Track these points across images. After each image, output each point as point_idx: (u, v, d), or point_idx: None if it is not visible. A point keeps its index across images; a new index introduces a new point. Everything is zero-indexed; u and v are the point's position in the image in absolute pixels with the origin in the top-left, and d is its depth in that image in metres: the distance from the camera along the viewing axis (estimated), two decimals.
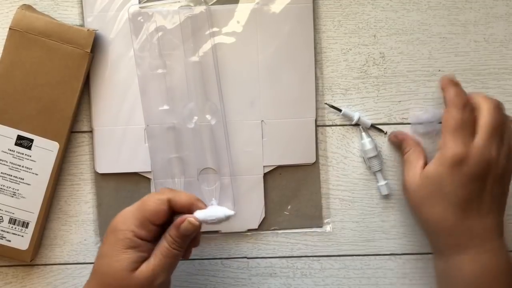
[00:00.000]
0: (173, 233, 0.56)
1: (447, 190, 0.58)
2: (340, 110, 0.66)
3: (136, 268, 0.55)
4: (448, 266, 0.59)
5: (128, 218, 0.56)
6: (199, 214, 0.56)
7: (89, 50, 0.63)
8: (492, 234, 0.59)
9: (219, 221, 0.57)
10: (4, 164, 0.63)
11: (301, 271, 0.67)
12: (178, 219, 0.56)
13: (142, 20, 0.65)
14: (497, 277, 0.58)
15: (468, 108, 0.59)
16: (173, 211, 0.57)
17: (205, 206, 0.57)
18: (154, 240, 0.56)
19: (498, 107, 0.59)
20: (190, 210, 0.57)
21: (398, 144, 0.66)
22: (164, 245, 0.56)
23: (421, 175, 0.60)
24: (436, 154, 0.59)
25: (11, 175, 0.63)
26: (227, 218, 0.57)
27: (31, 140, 0.63)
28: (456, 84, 0.60)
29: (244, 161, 0.66)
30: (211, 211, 0.57)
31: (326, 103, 0.67)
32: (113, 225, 0.56)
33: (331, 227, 0.67)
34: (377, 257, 0.67)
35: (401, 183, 0.66)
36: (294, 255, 0.67)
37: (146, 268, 0.55)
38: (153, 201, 0.56)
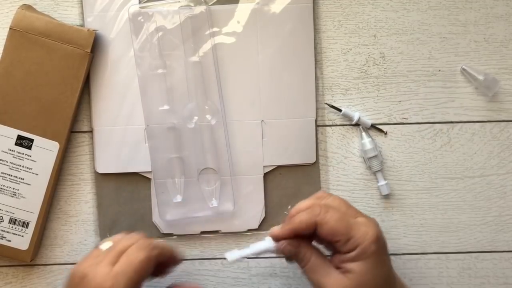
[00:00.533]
0: None
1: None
2: (340, 110, 0.66)
3: None
4: None
5: (119, 277, 0.52)
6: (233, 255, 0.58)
7: (89, 50, 0.63)
8: None
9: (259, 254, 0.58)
10: (4, 164, 0.63)
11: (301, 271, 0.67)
12: None
13: (142, 20, 0.65)
14: None
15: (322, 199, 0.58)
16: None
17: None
18: None
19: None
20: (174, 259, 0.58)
21: (294, 253, 0.57)
22: None
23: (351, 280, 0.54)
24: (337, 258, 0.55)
25: (11, 175, 0.63)
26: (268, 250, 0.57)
27: (31, 140, 0.63)
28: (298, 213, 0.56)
29: (244, 161, 0.66)
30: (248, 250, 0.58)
31: (326, 103, 0.67)
32: (99, 284, 0.51)
33: None
34: None
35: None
36: None
37: None
38: (143, 259, 0.53)
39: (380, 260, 0.54)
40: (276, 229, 0.56)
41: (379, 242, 0.54)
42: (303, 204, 0.57)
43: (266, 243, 0.57)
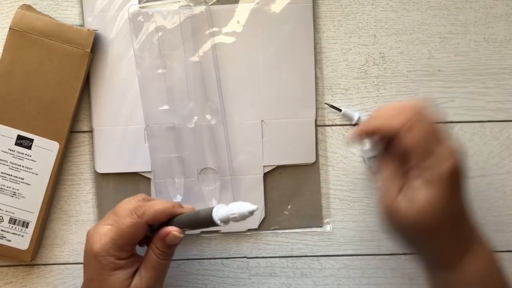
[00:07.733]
0: (159, 245, 0.56)
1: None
2: (340, 110, 0.66)
3: (129, 284, 0.56)
4: (454, 275, 0.55)
5: (106, 242, 0.55)
6: (221, 212, 0.54)
7: (89, 50, 0.63)
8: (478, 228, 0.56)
9: (242, 218, 0.54)
10: (4, 164, 0.63)
11: (301, 271, 0.67)
12: (162, 232, 0.56)
13: (142, 20, 0.65)
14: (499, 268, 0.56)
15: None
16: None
17: (184, 209, 0.57)
18: (135, 252, 0.58)
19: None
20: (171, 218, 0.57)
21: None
22: (152, 257, 0.56)
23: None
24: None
25: (11, 175, 0.63)
26: (251, 213, 0.54)
27: (31, 140, 0.63)
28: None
29: (244, 161, 0.66)
30: (232, 208, 0.54)
31: (326, 103, 0.67)
32: (92, 250, 0.55)
33: (331, 227, 0.67)
34: (377, 257, 0.67)
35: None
36: (294, 255, 0.67)
37: (139, 282, 0.56)
38: (130, 225, 0.55)
39: (455, 187, 0.52)
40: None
41: (458, 170, 0.51)
42: (394, 104, 0.54)
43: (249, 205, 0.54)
